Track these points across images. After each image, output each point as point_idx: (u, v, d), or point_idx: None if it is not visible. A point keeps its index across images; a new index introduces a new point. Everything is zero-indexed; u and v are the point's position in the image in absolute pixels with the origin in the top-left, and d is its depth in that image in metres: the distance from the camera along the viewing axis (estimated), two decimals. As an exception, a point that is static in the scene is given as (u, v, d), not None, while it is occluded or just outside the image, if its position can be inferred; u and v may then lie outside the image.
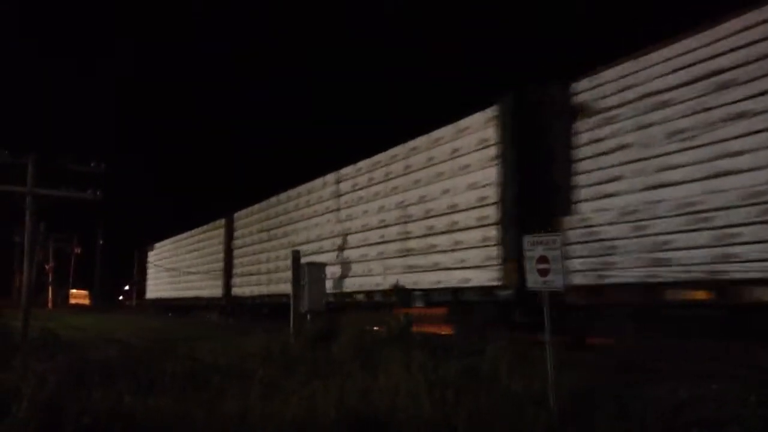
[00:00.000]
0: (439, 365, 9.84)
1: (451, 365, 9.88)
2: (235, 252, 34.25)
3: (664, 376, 9.77)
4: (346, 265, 22.18)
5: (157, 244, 49.66)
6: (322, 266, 20.66)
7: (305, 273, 19.32)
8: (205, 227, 39.22)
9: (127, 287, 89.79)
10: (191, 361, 11.94)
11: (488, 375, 9.47)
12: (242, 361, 11.85)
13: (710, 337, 11.55)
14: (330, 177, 24.04)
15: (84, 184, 20.80)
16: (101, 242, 73.65)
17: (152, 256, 50.69)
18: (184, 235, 42.93)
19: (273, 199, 29.82)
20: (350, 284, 21.86)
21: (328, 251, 23.33)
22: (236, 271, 33.80)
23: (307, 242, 25.11)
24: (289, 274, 20.62)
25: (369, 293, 20.70)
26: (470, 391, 8.07)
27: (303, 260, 20.41)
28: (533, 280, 8.20)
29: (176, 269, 42.97)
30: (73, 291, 76.76)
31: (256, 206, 31.88)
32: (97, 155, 60.18)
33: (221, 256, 35.57)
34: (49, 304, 63.00)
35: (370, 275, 20.76)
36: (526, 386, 8.32)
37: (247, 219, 33.04)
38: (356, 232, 21.84)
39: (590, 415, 6.99)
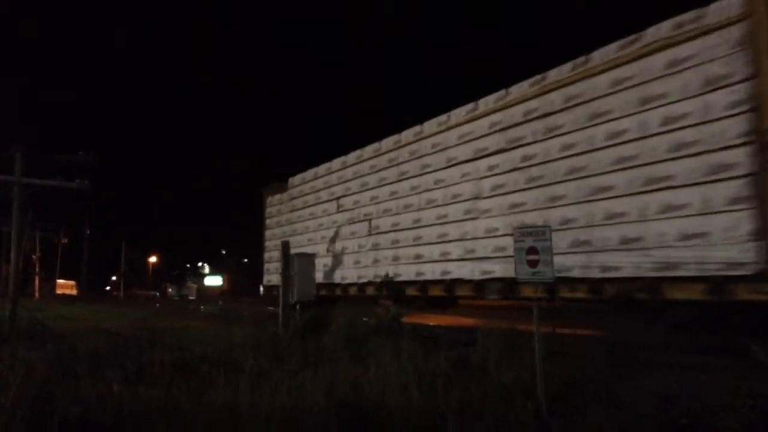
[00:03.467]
0: (429, 355, 9.86)
1: (441, 356, 9.90)
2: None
3: (654, 367, 9.83)
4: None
5: (298, 178, 30.43)
6: (311, 257, 20.71)
7: (294, 264, 19.29)
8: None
9: (114, 278, 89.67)
10: (180, 350, 11.90)
11: (478, 365, 9.49)
12: (231, 351, 11.82)
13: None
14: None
15: (73, 174, 20.70)
16: (88, 232, 73.28)
17: (285, 207, 31.63)
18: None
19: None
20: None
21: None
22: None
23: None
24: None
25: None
26: (460, 381, 8.09)
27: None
28: (522, 271, 8.20)
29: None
30: (60, 281, 76.53)
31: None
32: (88, 145, 59.86)
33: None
34: (36, 294, 62.73)
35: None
36: (516, 376, 8.34)
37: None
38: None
39: (579, 405, 7.02)
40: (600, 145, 14.15)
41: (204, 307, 35.27)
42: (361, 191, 24.79)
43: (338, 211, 26.27)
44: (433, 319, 20.61)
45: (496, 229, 16.91)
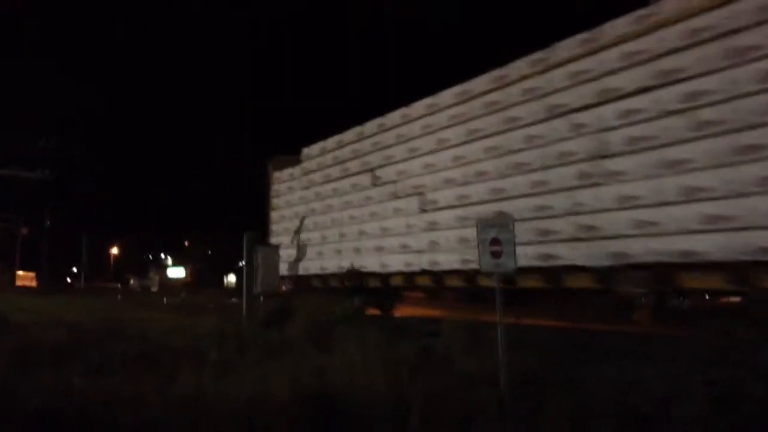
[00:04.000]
0: (394, 345, 9.91)
1: (406, 345, 9.97)
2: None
3: (613, 356, 9.99)
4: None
5: (316, 148, 26.72)
6: (275, 248, 20.64)
7: (258, 255, 19.22)
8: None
9: (75, 269, 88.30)
10: (143, 342, 11.80)
11: (443, 355, 9.57)
12: (195, 342, 11.75)
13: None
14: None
15: (35, 164, 20.37)
16: (48, 223, 72.02)
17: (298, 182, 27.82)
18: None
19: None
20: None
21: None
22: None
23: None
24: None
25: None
26: (425, 371, 8.16)
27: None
28: (485, 263, 8.27)
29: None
30: (20, 273, 75.12)
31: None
32: (51, 133, 58.65)
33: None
34: (-6, 286, 61.57)
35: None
36: (480, 366, 8.43)
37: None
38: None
39: (541, 393, 7.11)
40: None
41: (167, 299, 34.89)
42: (408, 158, 20.68)
43: (374, 185, 21.96)
44: (399, 310, 20.64)
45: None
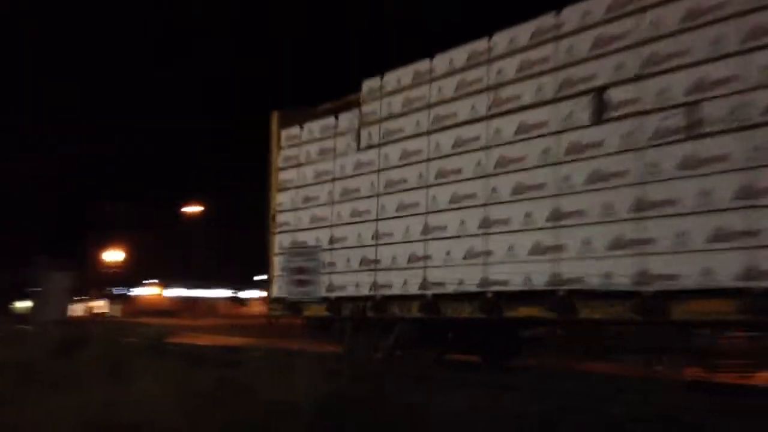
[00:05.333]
0: (194, 375, 9.56)
1: (207, 375, 9.64)
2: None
3: (444, 385, 10.15)
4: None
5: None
6: (67, 274, 19.28)
7: (43, 280, 17.86)
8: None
9: None
10: None
11: (246, 384, 9.32)
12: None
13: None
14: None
15: None
16: None
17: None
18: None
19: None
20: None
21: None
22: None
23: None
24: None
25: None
26: (225, 402, 7.89)
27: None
28: (289, 291, 8.15)
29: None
30: None
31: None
32: None
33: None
34: None
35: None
36: (285, 394, 8.27)
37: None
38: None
39: (346, 422, 7.06)
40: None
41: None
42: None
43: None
44: (202, 339, 20.21)
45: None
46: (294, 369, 9.36)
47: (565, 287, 11.02)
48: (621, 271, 10.31)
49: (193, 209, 78.01)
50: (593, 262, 10.67)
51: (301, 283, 12.94)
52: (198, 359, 11.90)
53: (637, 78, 10.65)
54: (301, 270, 12.87)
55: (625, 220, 10.43)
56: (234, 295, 79.84)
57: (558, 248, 11.21)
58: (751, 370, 11.89)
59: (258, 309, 53.54)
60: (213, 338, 20.96)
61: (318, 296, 13.38)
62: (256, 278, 64.85)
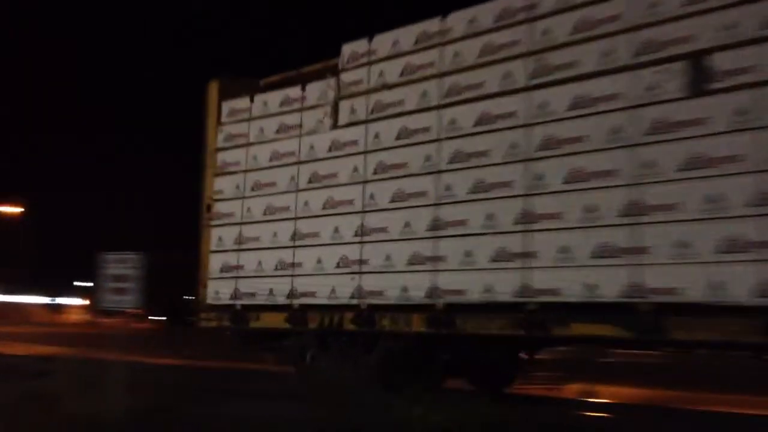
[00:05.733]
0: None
1: (12, 388, 9.28)
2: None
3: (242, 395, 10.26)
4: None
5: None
6: None
7: None
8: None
9: None
10: None
11: (53, 395, 9.09)
12: None
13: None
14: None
15: None
16: None
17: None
18: None
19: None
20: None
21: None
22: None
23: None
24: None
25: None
26: (30, 414, 7.72)
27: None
28: (107, 300, 8.06)
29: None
30: None
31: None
32: None
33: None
34: None
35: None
36: (94, 406, 8.16)
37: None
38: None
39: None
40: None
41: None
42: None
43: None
44: (14, 348, 19.25)
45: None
46: (104, 380, 9.26)
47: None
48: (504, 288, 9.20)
49: (11, 210, 73.10)
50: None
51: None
52: (2, 370, 11.39)
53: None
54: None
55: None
56: (51, 301, 75.64)
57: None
58: (561, 382, 12.72)
59: (77, 317, 51.06)
60: (23, 347, 19.92)
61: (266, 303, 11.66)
62: (76, 284, 61.94)
